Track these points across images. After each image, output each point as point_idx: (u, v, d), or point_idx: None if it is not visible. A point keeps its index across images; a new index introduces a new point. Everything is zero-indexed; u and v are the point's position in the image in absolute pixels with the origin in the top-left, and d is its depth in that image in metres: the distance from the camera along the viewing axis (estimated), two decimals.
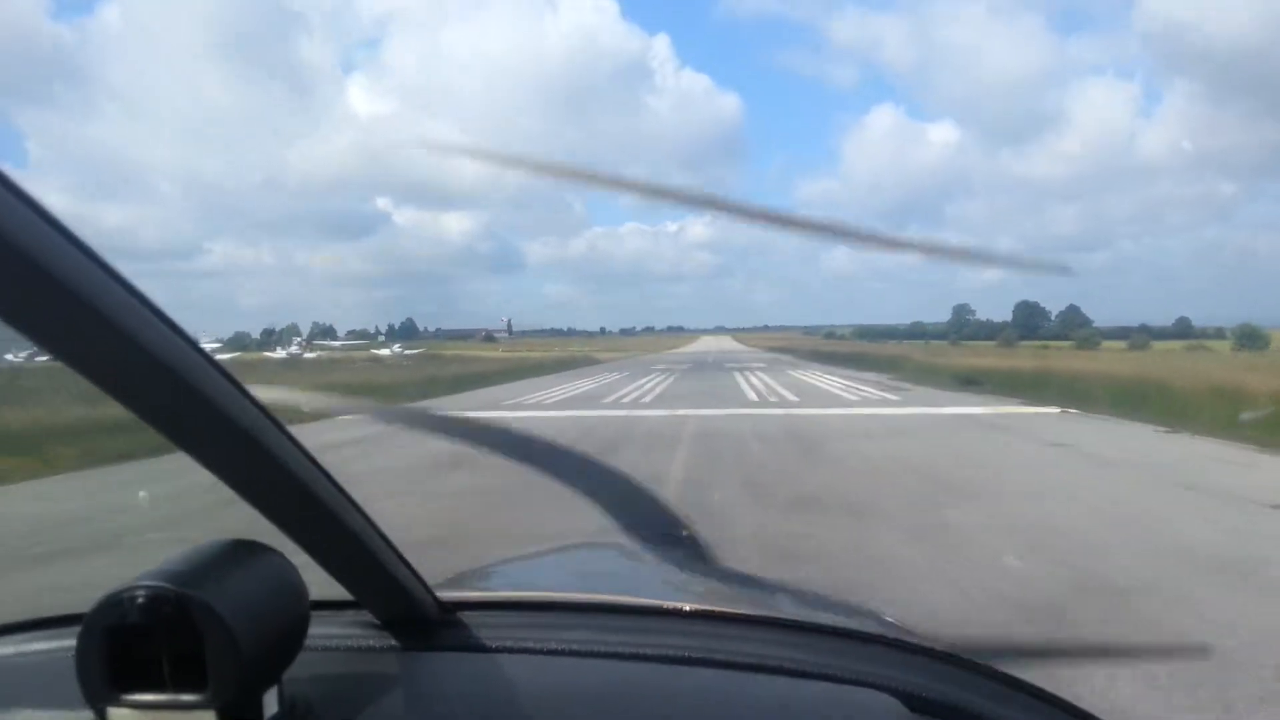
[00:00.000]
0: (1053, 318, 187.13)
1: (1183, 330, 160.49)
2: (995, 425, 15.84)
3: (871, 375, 33.93)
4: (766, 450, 12.72)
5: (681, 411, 18.99)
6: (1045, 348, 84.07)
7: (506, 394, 25.92)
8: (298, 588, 0.75)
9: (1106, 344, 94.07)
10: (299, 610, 0.75)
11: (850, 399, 22.52)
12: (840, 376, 32.97)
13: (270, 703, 0.70)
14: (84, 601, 0.66)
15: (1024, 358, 38.13)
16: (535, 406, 21.40)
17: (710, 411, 18.93)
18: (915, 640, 1.05)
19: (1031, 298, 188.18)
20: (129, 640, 0.64)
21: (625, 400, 23.54)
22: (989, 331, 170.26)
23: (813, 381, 30.77)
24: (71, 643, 0.66)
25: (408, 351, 74.24)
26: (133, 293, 0.55)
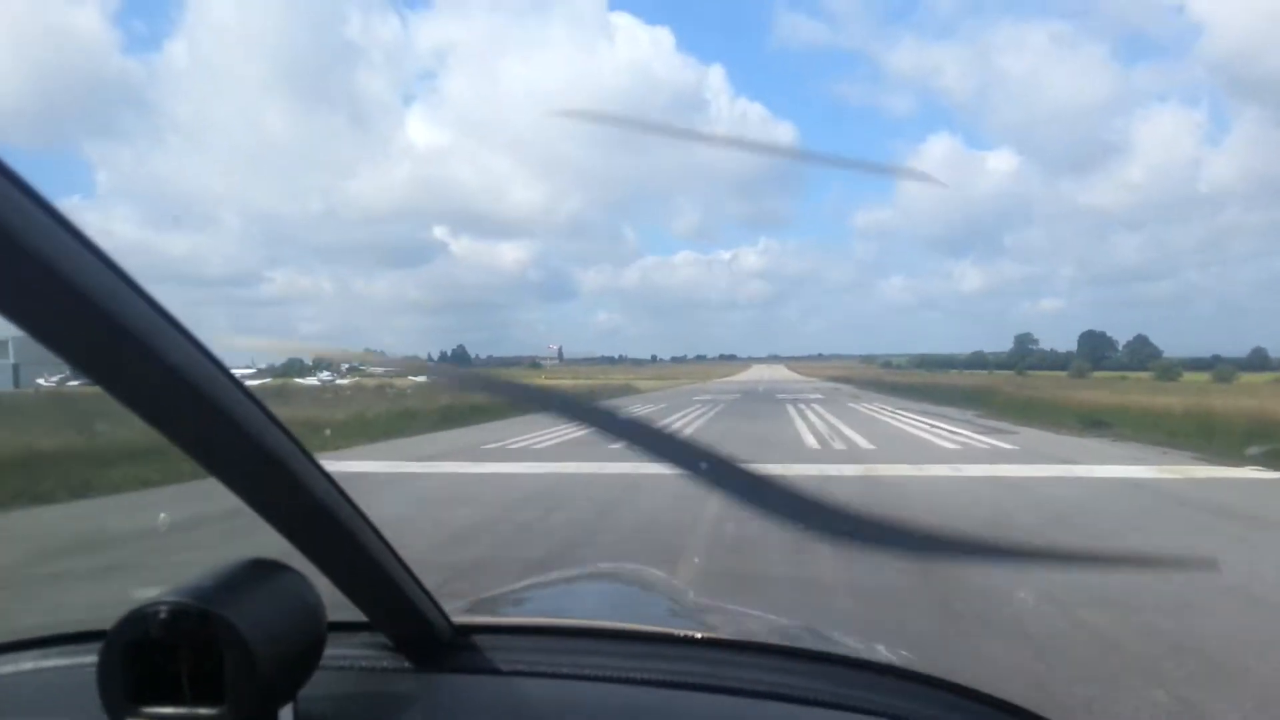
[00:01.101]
0: (1120, 348, 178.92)
1: (1260, 361, 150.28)
2: (1213, 505, 9.57)
3: (954, 411, 27.74)
4: (845, 566, 6.11)
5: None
6: (1124, 379, 77.24)
7: (502, 433, 20.40)
8: (316, 607, 0.75)
9: (1187, 376, 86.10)
10: (316, 629, 0.75)
11: (945, 447, 16.44)
12: (917, 413, 26.80)
13: (286, 719, 0.70)
14: (98, 620, 0.70)
15: (1142, 391, 31.70)
16: (518, 455, 15.61)
17: (754, 468, 13.07)
18: (926, 671, 1.01)
19: (1096, 327, 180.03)
20: (150, 655, 0.65)
21: None
22: (1053, 362, 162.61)
23: (887, 420, 24.66)
24: (89, 658, 0.68)
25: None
26: (162, 313, 0.54)
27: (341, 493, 0.74)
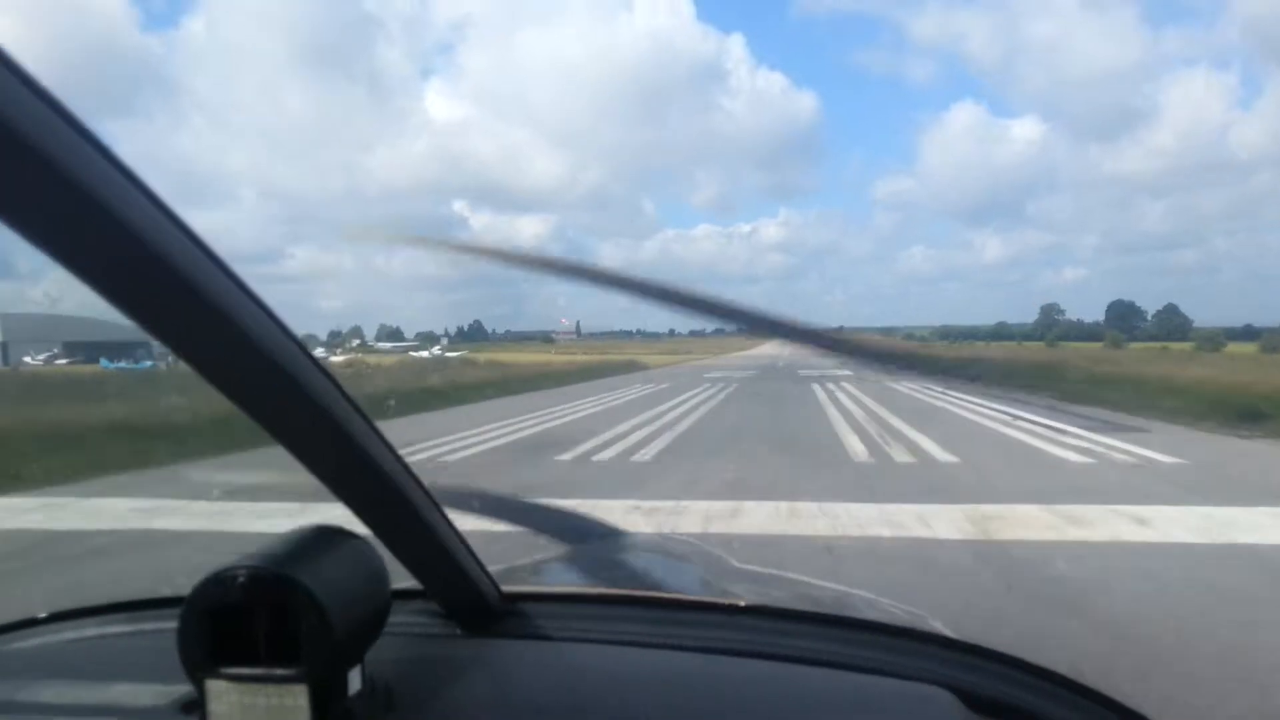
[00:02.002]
0: (1149, 317, 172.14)
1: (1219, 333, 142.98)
2: None
3: (1026, 395, 21.95)
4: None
5: (708, 491, 7.92)
6: (1165, 350, 71.04)
7: (449, 424, 14.93)
8: (381, 573, 0.76)
9: (1231, 346, 79.57)
10: (383, 594, 0.77)
11: (1068, 460, 10.65)
12: (981, 397, 20.99)
13: (354, 680, 0.72)
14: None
15: (1216, 365, 25.79)
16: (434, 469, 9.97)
17: (773, 496, 7.63)
18: (972, 641, 1.01)
19: (1120, 296, 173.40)
20: (228, 618, 0.66)
21: (616, 445, 12.23)
22: (1080, 332, 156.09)
23: (948, 408, 18.90)
24: (161, 625, 0.73)
25: (448, 354, 70.39)
26: (236, 281, 0.56)
27: (403, 463, 0.75)
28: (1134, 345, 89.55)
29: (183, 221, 0.52)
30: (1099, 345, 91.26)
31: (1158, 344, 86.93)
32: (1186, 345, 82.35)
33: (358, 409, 0.69)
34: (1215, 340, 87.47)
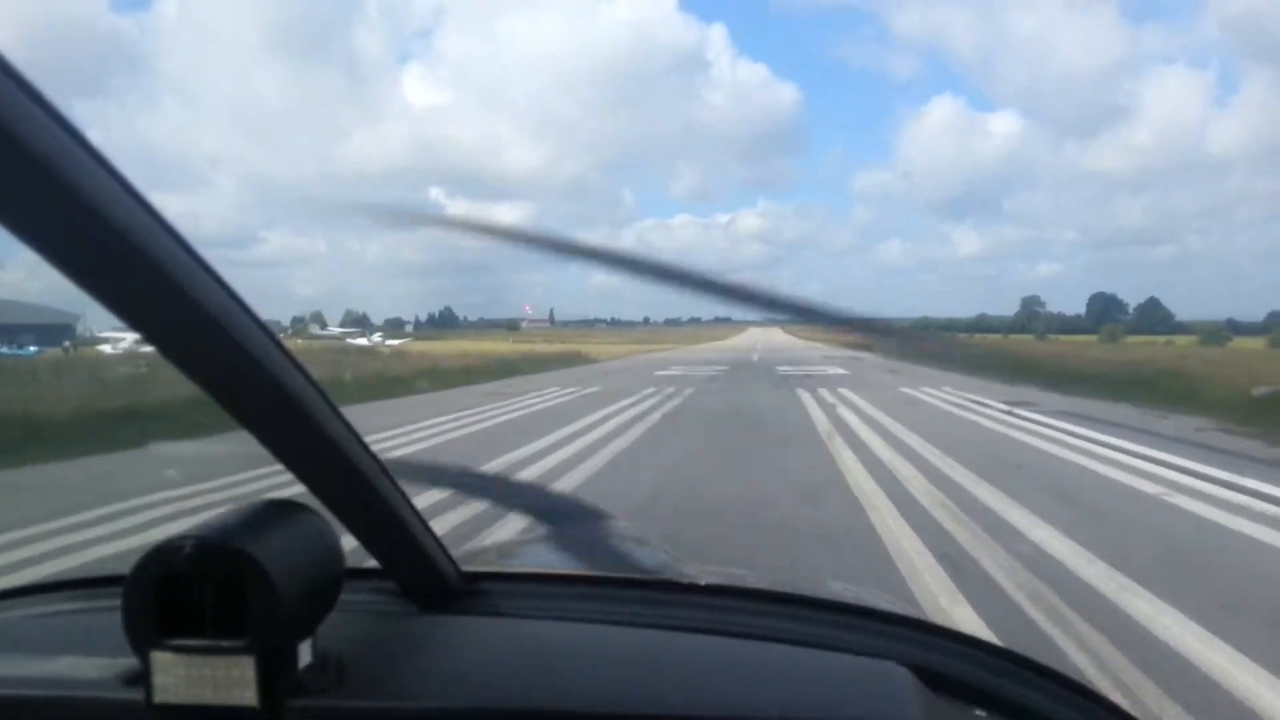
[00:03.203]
0: (1130, 310, 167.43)
1: (1277, 324, 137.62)
2: None
3: (1109, 409, 14.54)
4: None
5: None
6: (1170, 343, 64.74)
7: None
8: (334, 546, 0.75)
9: (1238, 341, 73.13)
10: (335, 567, 0.76)
11: None
12: (1053, 416, 13.48)
13: (304, 654, 0.70)
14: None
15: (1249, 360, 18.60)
16: None
17: None
18: (923, 617, 1.04)
19: (1096, 291, 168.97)
20: (175, 589, 0.65)
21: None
22: (1062, 325, 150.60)
23: (1025, 438, 11.36)
24: (109, 601, 0.71)
25: (390, 342, 63.62)
26: (190, 253, 0.55)
27: (359, 438, 0.74)
28: (1130, 339, 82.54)
29: (135, 189, 0.50)
30: (1094, 339, 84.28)
31: (1161, 337, 79.83)
32: (1188, 340, 75.52)
33: (309, 378, 0.66)
34: (1219, 335, 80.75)
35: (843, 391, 18.58)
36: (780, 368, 29.64)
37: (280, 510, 0.73)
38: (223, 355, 0.60)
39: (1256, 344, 62.60)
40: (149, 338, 0.58)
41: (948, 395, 17.51)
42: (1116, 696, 3.22)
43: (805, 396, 17.78)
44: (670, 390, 19.70)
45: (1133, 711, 0.89)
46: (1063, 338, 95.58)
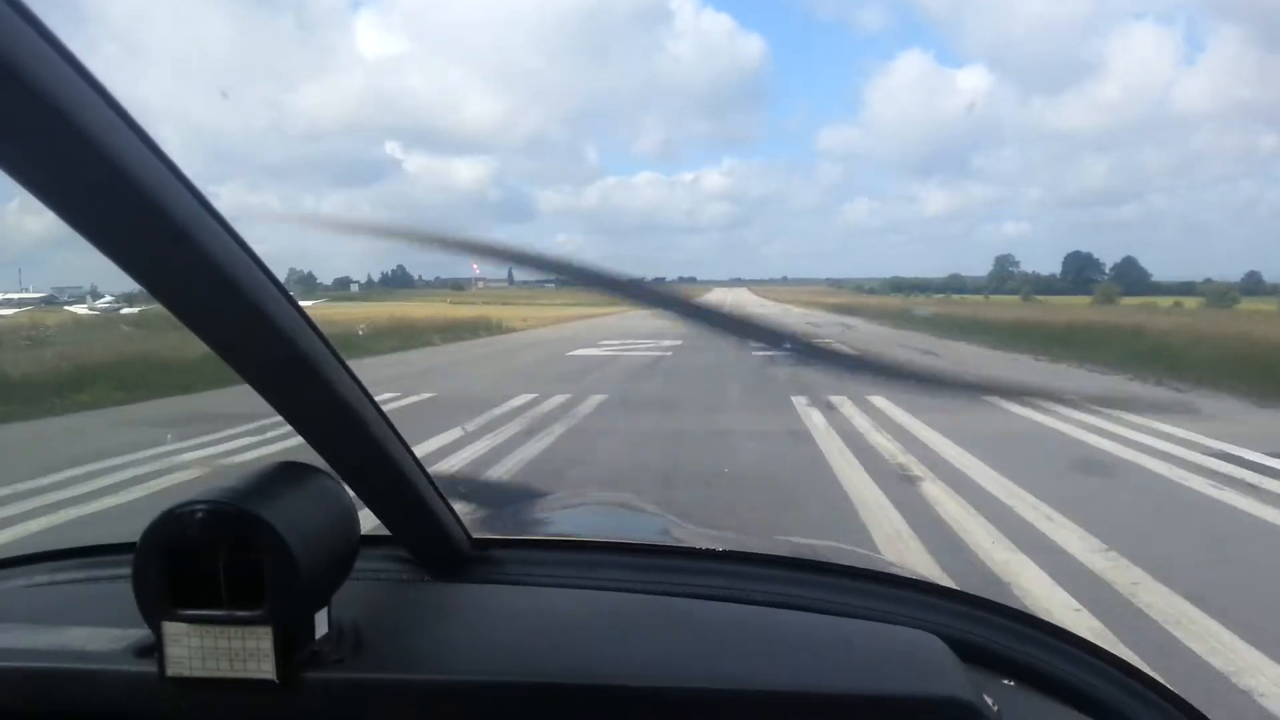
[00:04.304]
0: (1107, 270, 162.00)
1: (1254, 286, 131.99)
2: None
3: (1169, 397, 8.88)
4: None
5: None
6: (1177, 304, 57.60)
7: None
8: (350, 511, 0.73)
9: (1248, 303, 65.85)
10: (352, 533, 0.73)
11: None
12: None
13: (320, 623, 0.68)
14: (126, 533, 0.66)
15: None
16: None
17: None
18: (957, 587, 1.00)
19: (1063, 250, 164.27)
20: (187, 557, 0.62)
21: None
22: (1038, 285, 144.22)
23: None
24: (118, 571, 0.68)
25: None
26: (201, 201, 0.52)
27: (374, 402, 0.71)
28: (1126, 301, 74.91)
29: (140, 126, 0.47)
30: (1085, 301, 76.61)
31: (1171, 300, 72.11)
32: (1192, 301, 68.05)
33: (323, 337, 0.62)
34: (1227, 296, 73.23)
35: (877, 404, 9.90)
36: (754, 349, 20.91)
37: (294, 473, 0.69)
38: (232, 311, 0.56)
39: (1269, 305, 55.45)
40: (155, 291, 0.54)
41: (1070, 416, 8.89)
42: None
43: (814, 421, 9.08)
44: (563, 399, 10.88)
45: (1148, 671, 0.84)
46: (1043, 299, 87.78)
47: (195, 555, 0.61)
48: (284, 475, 0.69)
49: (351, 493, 0.75)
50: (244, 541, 0.61)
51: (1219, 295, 73.22)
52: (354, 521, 0.73)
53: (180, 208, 0.49)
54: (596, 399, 11.03)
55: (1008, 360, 16.82)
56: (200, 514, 0.60)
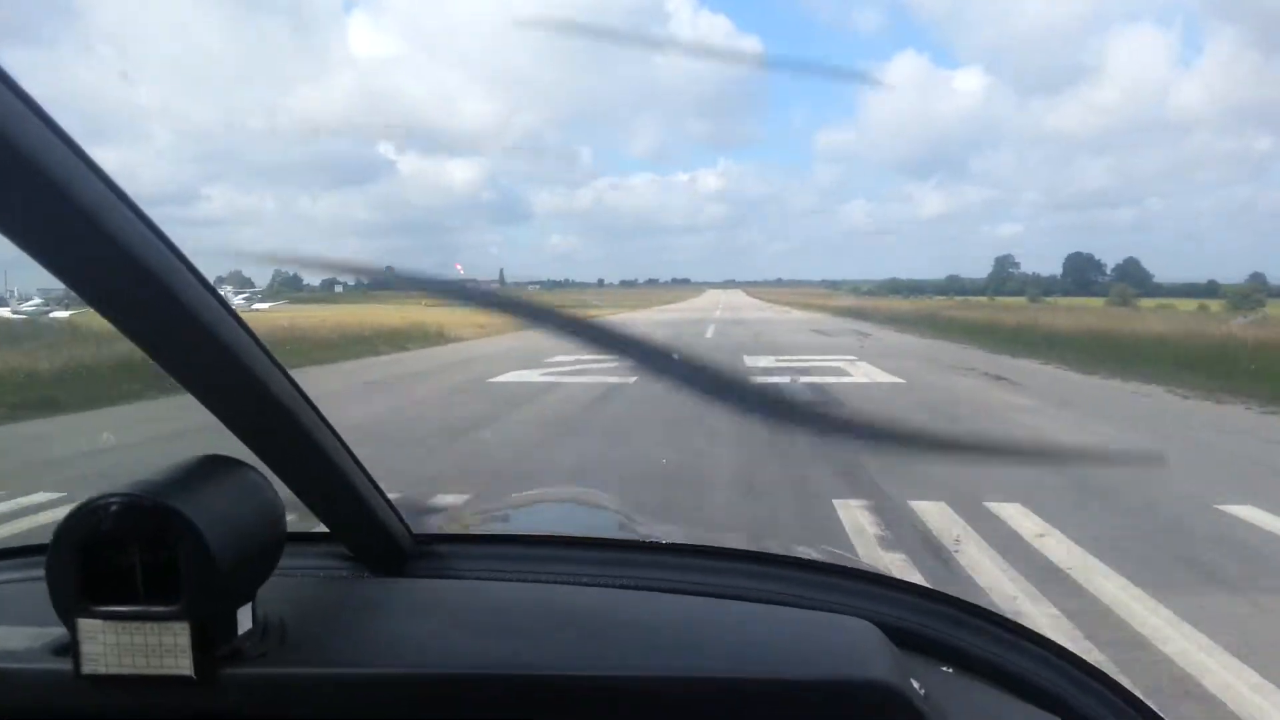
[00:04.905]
0: (1109, 271, 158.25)
1: (1260, 288, 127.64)
2: None
3: None
4: None
5: None
6: (1203, 308, 52.80)
7: None
8: (274, 504, 0.71)
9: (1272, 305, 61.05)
10: (276, 526, 0.71)
11: None
12: None
13: (244, 619, 0.67)
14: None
15: None
16: None
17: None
18: (892, 575, 1.01)
19: (1058, 252, 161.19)
20: (103, 552, 0.61)
21: None
22: (1039, 286, 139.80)
23: None
24: (37, 570, 0.65)
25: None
26: (115, 191, 0.51)
27: (305, 397, 0.70)
28: (1143, 303, 70.08)
29: (65, 134, 0.47)
30: (1100, 302, 71.78)
31: (1191, 301, 67.27)
32: (1216, 304, 63.26)
33: (247, 329, 0.62)
34: (1252, 297, 68.38)
35: (1017, 527, 4.92)
36: (754, 361, 15.69)
37: (216, 466, 0.68)
38: (158, 310, 0.56)
39: None
40: (84, 294, 0.53)
41: None
42: None
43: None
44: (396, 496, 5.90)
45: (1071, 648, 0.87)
46: (1051, 300, 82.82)
47: (111, 550, 0.60)
48: (204, 469, 0.67)
49: (284, 489, 0.73)
50: (161, 536, 0.59)
51: (1242, 297, 68.14)
52: (279, 516, 0.70)
53: (105, 208, 0.49)
54: (449, 498, 6.02)
55: (1135, 397, 11.64)
56: (115, 507, 0.59)
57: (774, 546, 1.38)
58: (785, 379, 12.74)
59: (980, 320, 26.64)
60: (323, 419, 0.73)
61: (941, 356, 17.17)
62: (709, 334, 25.37)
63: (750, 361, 15.53)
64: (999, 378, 13.50)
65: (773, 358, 16.42)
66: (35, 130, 0.45)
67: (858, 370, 14.23)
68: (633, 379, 11.43)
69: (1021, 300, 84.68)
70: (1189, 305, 57.40)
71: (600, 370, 12.53)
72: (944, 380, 13.32)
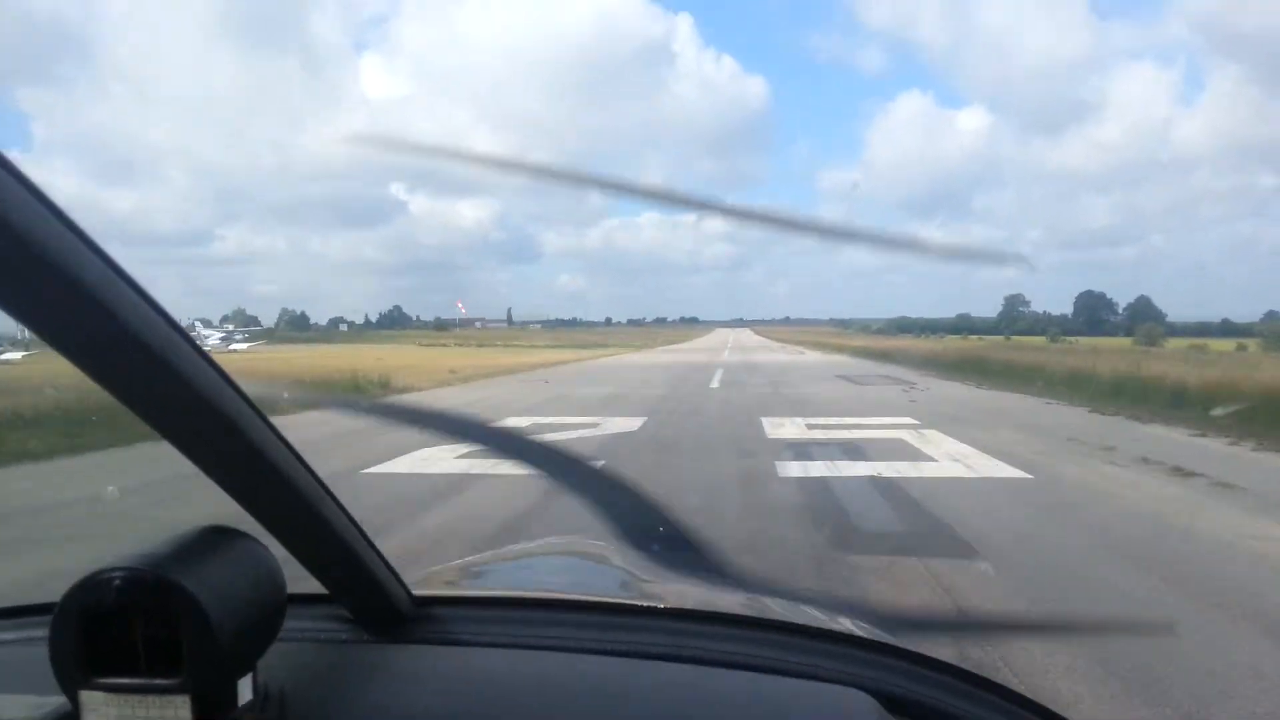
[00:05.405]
0: (1120, 310, 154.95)
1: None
2: None
3: None
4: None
5: None
6: (1241, 347, 48.81)
7: None
8: (275, 575, 0.72)
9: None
10: (276, 597, 0.71)
11: None
12: None
13: (244, 690, 0.67)
14: (52, 593, 0.64)
15: None
16: None
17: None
18: (891, 641, 1.01)
19: (1063, 292, 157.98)
20: (104, 624, 0.61)
21: None
22: (1050, 325, 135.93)
23: None
24: (33, 633, 0.66)
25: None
26: (113, 266, 0.52)
27: (301, 460, 0.71)
28: (1170, 343, 65.83)
29: (36, 187, 0.47)
30: (1128, 342, 67.61)
31: (1227, 342, 63.06)
32: (1251, 343, 59.00)
33: (245, 398, 0.63)
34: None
35: None
36: (776, 428, 11.61)
37: (216, 538, 0.68)
38: (142, 366, 0.55)
39: None
40: (59, 347, 0.53)
41: None
42: None
43: None
44: None
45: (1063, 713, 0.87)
46: (1070, 340, 78.58)
47: (113, 622, 0.60)
48: (204, 540, 0.67)
49: (282, 554, 0.74)
50: (162, 609, 0.60)
51: (1276, 335, 63.81)
52: (280, 586, 0.71)
53: (81, 260, 0.49)
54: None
55: None
56: (117, 581, 0.59)
57: (775, 607, 1.35)
58: (827, 463, 8.71)
59: (1048, 367, 21.91)
60: (318, 480, 0.72)
61: (1040, 421, 12.95)
62: (714, 383, 21.53)
63: (771, 429, 11.61)
64: (1191, 473, 8.28)
65: (801, 421, 12.46)
66: (45, 220, 0.45)
67: (932, 446, 9.98)
68: (601, 461, 7.37)
69: (1040, 340, 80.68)
70: (1224, 346, 53.35)
71: (578, 433, 8.54)
72: (1097, 477, 8.25)
